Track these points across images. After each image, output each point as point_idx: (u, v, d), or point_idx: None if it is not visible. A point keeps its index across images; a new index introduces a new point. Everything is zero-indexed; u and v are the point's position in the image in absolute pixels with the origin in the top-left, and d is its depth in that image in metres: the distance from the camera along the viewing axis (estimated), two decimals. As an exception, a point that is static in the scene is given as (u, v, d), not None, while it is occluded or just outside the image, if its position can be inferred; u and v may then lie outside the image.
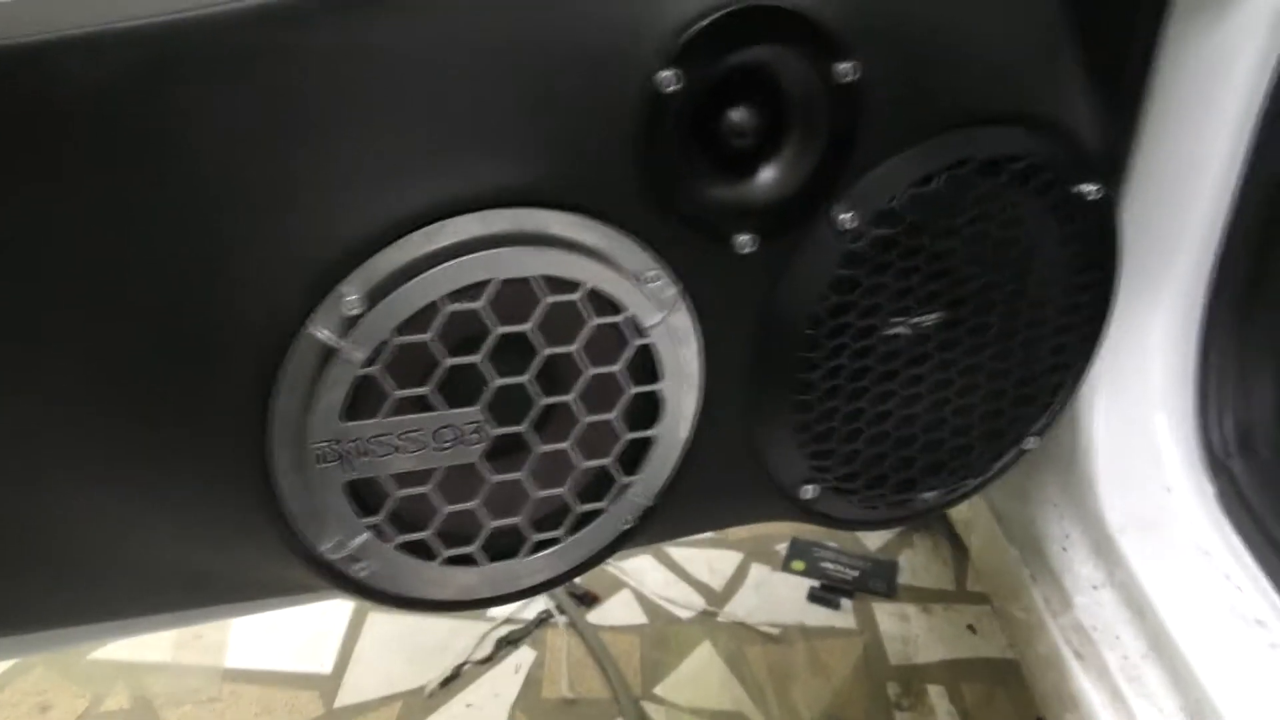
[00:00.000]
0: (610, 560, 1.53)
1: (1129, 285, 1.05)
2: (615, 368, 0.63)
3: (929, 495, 0.78)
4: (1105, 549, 1.02)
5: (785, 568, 1.60)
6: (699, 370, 0.67)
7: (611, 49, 0.56)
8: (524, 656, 1.41)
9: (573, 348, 0.61)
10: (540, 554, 0.68)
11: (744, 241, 0.63)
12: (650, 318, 0.62)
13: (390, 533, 0.62)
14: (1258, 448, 1.01)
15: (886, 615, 1.53)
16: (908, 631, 1.51)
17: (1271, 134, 0.96)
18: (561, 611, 1.47)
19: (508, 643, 1.42)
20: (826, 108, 0.61)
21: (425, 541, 0.63)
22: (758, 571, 1.59)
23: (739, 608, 1.52)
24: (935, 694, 1.40)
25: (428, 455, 0.60)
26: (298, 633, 1.43)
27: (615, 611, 1.49)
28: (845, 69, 0.60)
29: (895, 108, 0.63)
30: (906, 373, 0.73)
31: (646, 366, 0.65)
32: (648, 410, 0.66)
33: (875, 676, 1.43)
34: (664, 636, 1.46)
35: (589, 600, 1.50)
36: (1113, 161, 0.84)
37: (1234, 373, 1.04)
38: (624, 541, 0.71)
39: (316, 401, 0.56)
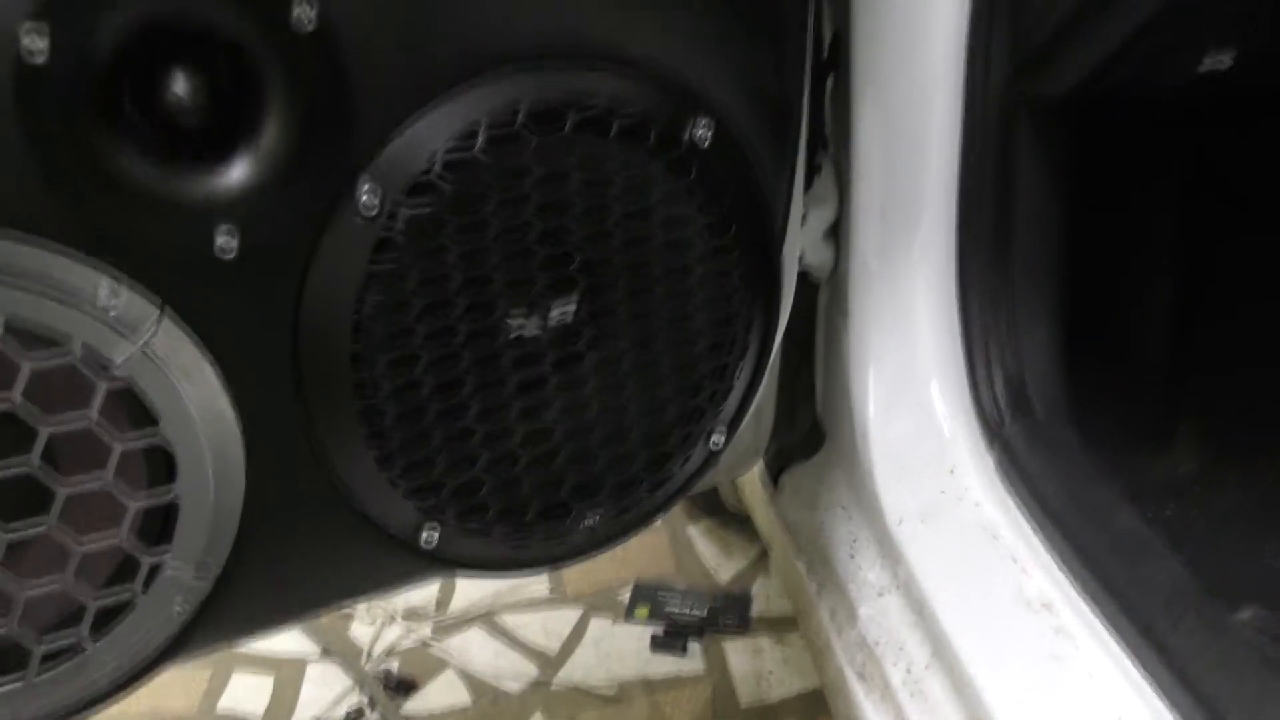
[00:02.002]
0: (432, 640, 1.39)
1: (886, 250, 0.95)
2: (87, 420, 0.50)
3: (592, 519, 0.66)
4: (889, 547, 0.91)
5: (629, 617, 1.46)
6: (229, 407, 0.54)
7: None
8: (330, 762, 1.26)
9: (8, 402, 0.48)
10: (65, 665, 0.54)
11: (225, 242, 0.50)
12: (117, 350, 0.50)
13: None
14: (1031, 408, 0.91)
15: (738, 652, 1.40)
16: (761, 667, 1.37)
17: (983, 55, 0.87)
18: (373, 706, 1.32)
19: (311, 750, 1.27)
20: (297, 65, 0.50)
21: None
22: (598, 626, 1.45)
23: (575, 670, 1.38)
24: (790, 732, 1.27)
25: None
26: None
27: (436, 695, 1.35)
28: (304, 15, 0.49)
29: (399, 55, 0.52)
30: (521, 377, 0.60)
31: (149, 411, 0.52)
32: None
33: (725, 724, 1.29)
34: (490, 715, 1.31)
35: (406, 688, 1.35)
36: (781, 103, 0.73)
37: (1003, 327, 0.94)
38: (196, 633, 0.58)
39: None
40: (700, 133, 0.61)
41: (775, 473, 1.11)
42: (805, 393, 1.07)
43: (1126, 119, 0.94)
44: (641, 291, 0.62)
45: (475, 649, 1.41)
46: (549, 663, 1.39)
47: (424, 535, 0.61)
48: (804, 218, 0.93)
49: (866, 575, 0.93)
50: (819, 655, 0.94)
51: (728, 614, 1.45)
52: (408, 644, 1.43)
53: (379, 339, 0.55)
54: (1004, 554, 0.84)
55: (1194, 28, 0.75)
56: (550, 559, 0.67)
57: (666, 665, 1.38)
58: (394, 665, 1.39)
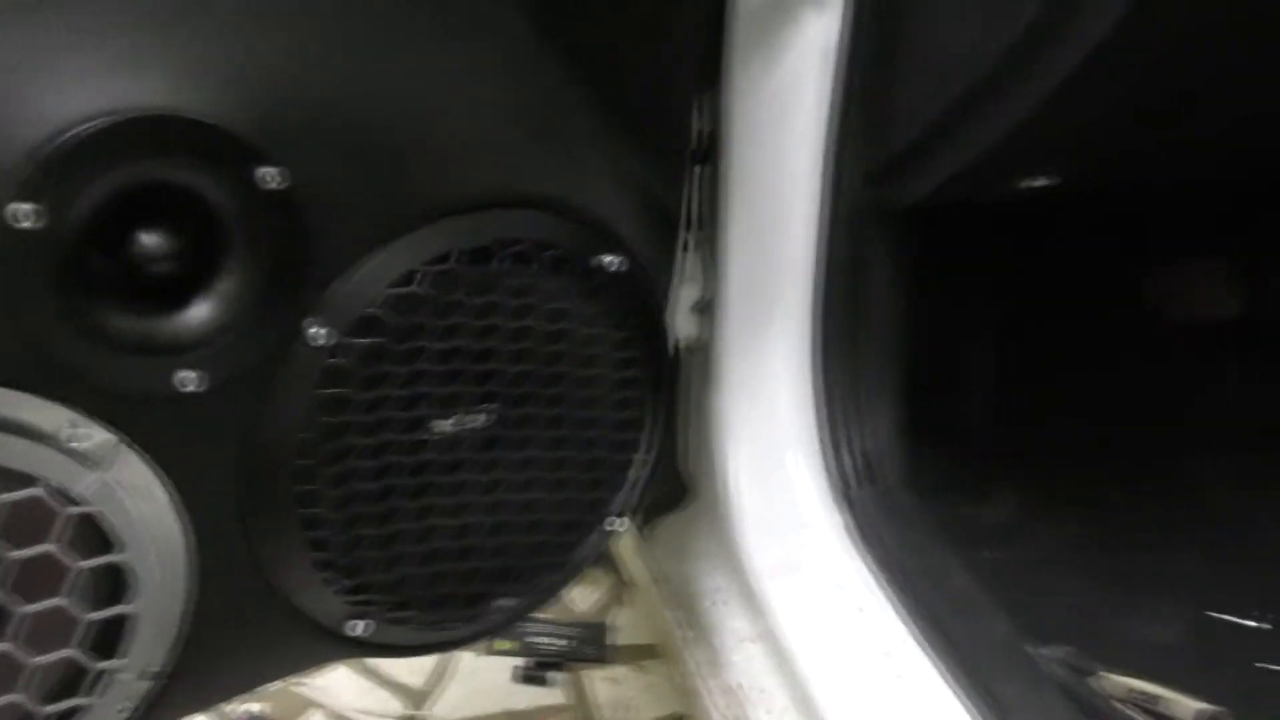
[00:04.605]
0: (300, 677, 1.41)
1: (751, 329, 1.04)
2: (47, 547, 0.53)
3: (507, 603, 0.72)
4: (752, 598, 1.00)
5: (492, 650, 1.52)
6: (181, 527, 0.58)
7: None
8: (197, 810, 1.26)
9: (-23, 537, 0.51)
10: (12, 771, 0.56)
11: (185, 379, 0.54)
12: (79, 482, 0.53)
13: None
14: (876, 474, 1.02)
15: (599, 682, 1.48)
16: (620, 695, 1.46)
17: (839, 165, 0.97)
18: (240, 750, 1.33)
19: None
20: (260, 219, 0.54)
21: None
22: (464, 660, 1.50)
23: (442, 705, 1.43)
24: (648, 757, 1.36)
25: None
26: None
27: (304, 736, 1.37)
28: (269, 175, 0.53)
29: (350, 208, 0.57)
30: (447, 481, 0.66)
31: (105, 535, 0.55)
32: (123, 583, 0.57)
33: (588, 752, 1.37)
34: (359, 754, 1.35)
35: (273, 729, 1.37)
36: (667, 212, 0.81)
37: (852, 404, 1.04)
38: (137, 728, 0.61)
39: None
40: (610, 260, 0.68)
41: (644, 523, 1.20)
42: (674, 449, 1.16)
43: (962, 223, 1.07)
44: (556, 400, 0.69)
45: (341, 687, 1.44)
46: (416, 699, 1.43)
47: (353, 626, 0.66)
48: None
49: (732, 624, 1.02)
50: (689, 697, 1.03)
51: (588, 644, 1.53)
52: (273, 684, 1.44)
53: (322, 456, 0.60)
54: (853, 606, 0.95)
55: (1017, 161, 0.87)
56: (466, 638, 0.73)
57: (530, 697, 1.45)
58: (259, 706, 1.40)
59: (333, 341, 0.58)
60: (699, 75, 0.98)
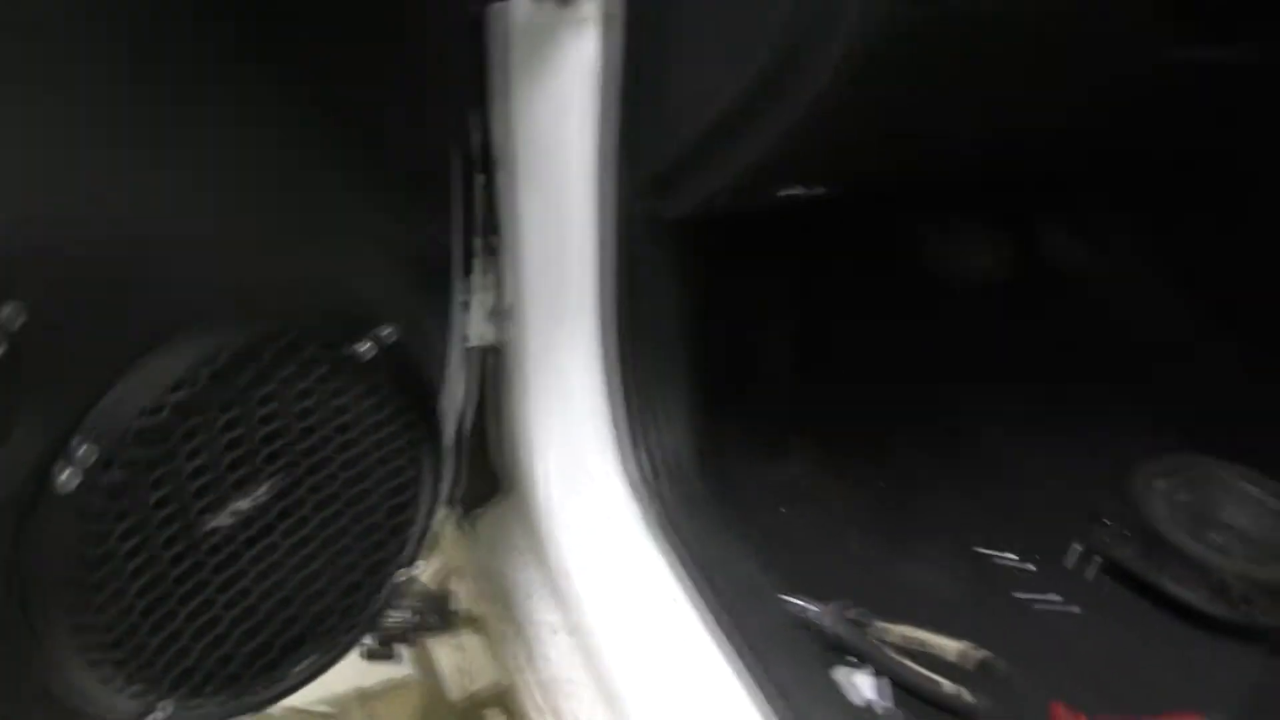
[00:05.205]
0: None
1: (547, 332, 1.08)
2: None
3: (301, 667, 0.77)
4: (561, 591, 1.06)
5: (338, 630, 1.56)
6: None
7: None
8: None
9: None
10: None
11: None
12: None
13: None
14: (673, 467, 1.08)
15: (444, 650, 1.54)
16: (464, 661, 1.52)
17: (616, 177, 1.00)
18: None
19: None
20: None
21: None
22: (310, 643, 1.54)
23: (292, 691, 1.46)
24: (492, 716, 1.43)
25: None
26: None
27: (154, 741, 1.39)
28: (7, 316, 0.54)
29: (87, 342, 0.58)
30: (224, 575, 0.69)
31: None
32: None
33: (437, 720, 1.43)
34: (212, 751, 1.38)
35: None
36: (441, 262, 0.83)
37: (647, 398, 1.09)
38: None
39: None
40: (368, 345, 0.70)
41: (464, 515, 1.24)
42: (485, 444, 1.20)
43: (737, 226, 1.12)
44: (327, 479, 0.72)
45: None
46: (265, 688, 1.47)
47: (152, 718, 0.69)
48: (468, 303, 1.04)
49: (545, 617, 1.09)
50: (512, 693, 1.10)
51: (431, 615, 1.58)
52: None
53: (90, 583, 0.62)
54: (658, 594, 1.01)
55: (771, 177, 0.92)
56: (265, 702, 0.76)
57: (380, 673, 1.49)
58: None
59: (85, 479, 0.59)
60: (468, 94, 0.98)
